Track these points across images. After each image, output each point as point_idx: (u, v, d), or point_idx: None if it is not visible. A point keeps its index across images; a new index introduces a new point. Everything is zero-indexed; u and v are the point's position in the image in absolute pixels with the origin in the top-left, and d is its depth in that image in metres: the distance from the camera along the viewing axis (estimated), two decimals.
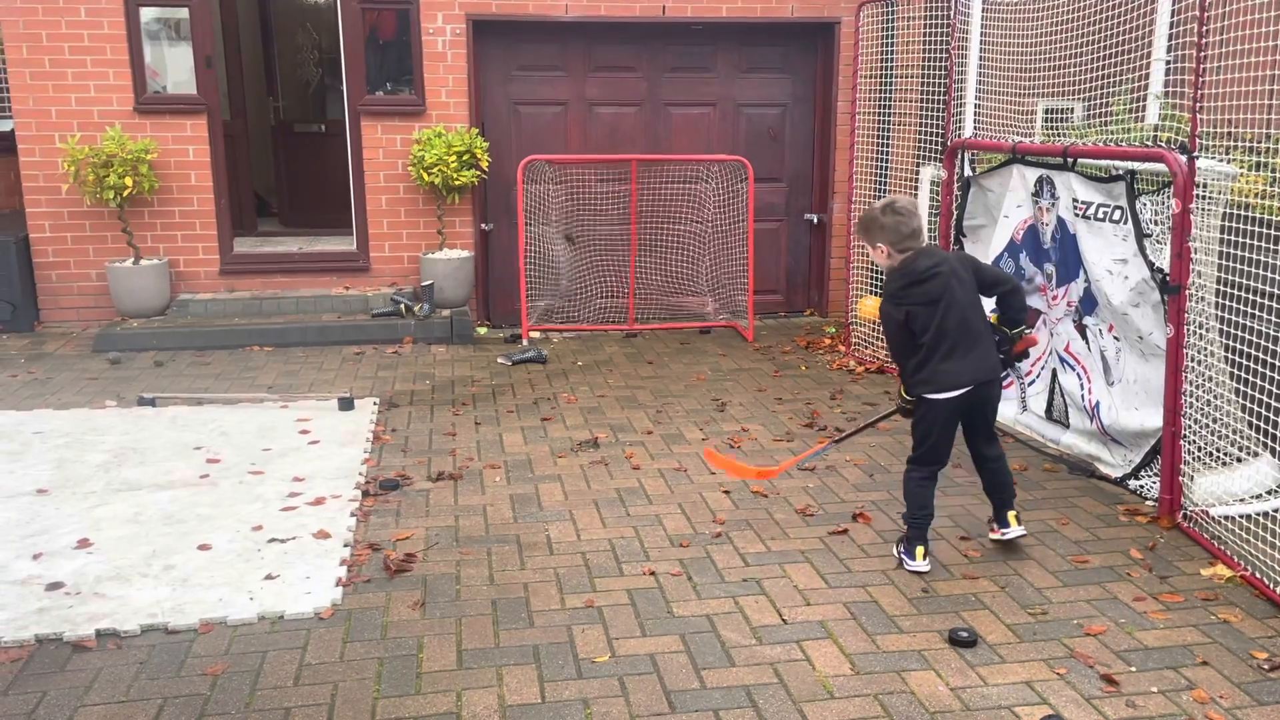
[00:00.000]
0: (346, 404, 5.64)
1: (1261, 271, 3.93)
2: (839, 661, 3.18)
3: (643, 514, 4.34)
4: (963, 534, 4.11)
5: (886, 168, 7.43)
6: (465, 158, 7.27)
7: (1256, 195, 4.25)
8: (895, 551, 3.90)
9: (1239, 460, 4.30)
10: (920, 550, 3.79)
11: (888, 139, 7.38)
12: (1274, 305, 3.85)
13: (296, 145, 9.50)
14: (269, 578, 3.70)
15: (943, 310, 3.73)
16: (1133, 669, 3.12)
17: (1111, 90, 5.23)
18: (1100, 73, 5.16)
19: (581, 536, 4.10)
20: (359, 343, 7.19)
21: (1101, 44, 5.17)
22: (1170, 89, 5.26)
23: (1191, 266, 4.09)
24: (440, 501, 4.45)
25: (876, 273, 7.35)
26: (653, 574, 3.77)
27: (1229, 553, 3.82)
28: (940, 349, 3.73)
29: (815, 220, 8.36)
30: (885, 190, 7.50)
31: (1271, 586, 3.52)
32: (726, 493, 4.57)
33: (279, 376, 6.40)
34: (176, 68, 7.48)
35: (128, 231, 7.31)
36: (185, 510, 4.28)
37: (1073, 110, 5.83)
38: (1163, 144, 4.29)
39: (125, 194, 7.02)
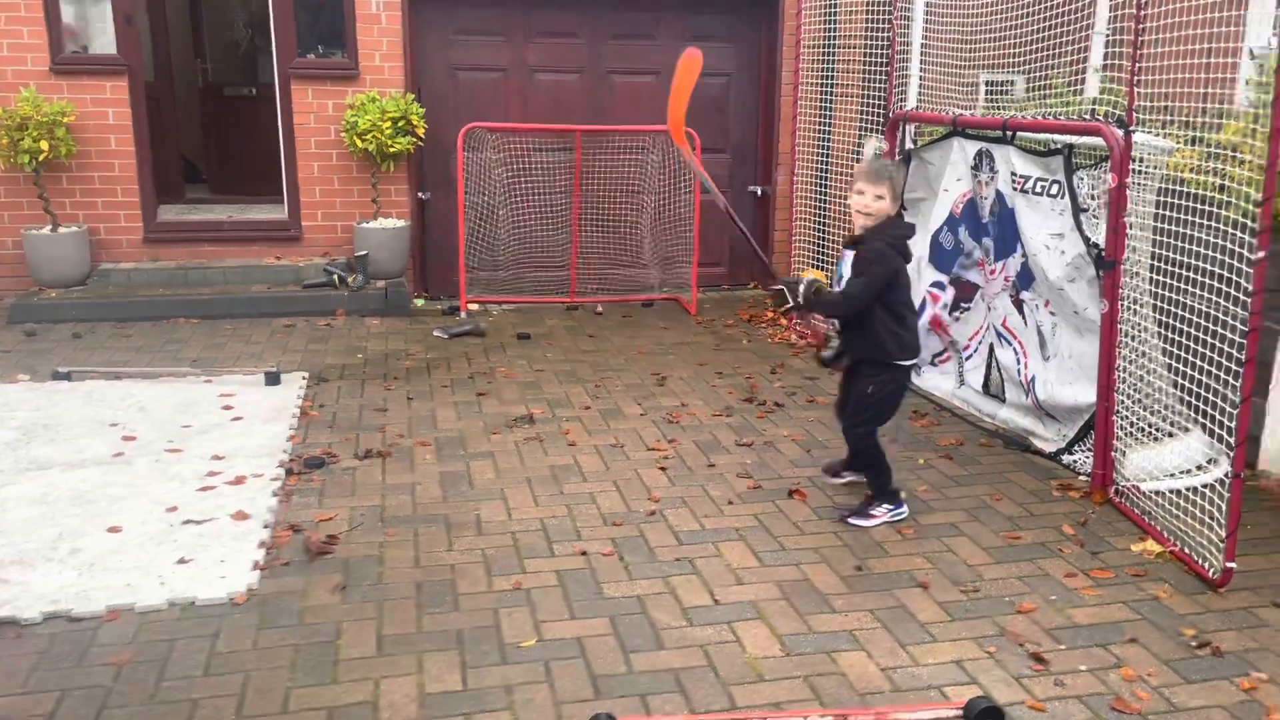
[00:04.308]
0: (273, 379, 5.45)
1: (1194, 247, 3.92)
2: (770, 642, 3.12)
3: (577, 492, 4.24)
4: None
5: (830, 140, 7.37)
6: (400, 124, 7.05)
7: (1191, 170, 4.25)
8: (869, 519, 3.95)
9: (1170, 435, 4.33)
10: (900, 494, 4.03)
11: (831, 111, 7.31)
12: (1206, 281, 3.84)
13: (226, 109, 9.17)
14: (181, 562, 3.54)
15: (907, 274, 3.91)
16: (1062, 647, 3.11)
17: (1052, 63, 5.20)
18: (1041, 45, 5.12)
19: (513, 516, 4.00)
20: (289, 315, 6.97)
21: (1043, 16, 5.12)
22: (1110, 62, 5.24)
23: (1127, 242, 4.08)
24: (367, 480, 4.31)
25: (821, 247, 7.31)
26: (584, 554, 3.68)
27: (1159, 528, 3.84)
28: (914, 312, 3.95)
29: (759, 192, 8.28)
30: (828, 163, 7.44)
31: (1200, 562, 3.53)
32: (663, 469, 4.49)
33: (204, 350, 6.17)
34: (96, 27, 7.13)
35: (44, 198, 6.98)
36: (96, 490, 4.09)
37: (1013, 83, 5.80)
38: (1100, 118, 4.25)
39: (41, 158, 6.70)
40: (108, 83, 7.10)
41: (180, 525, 3.81)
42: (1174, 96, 4.27)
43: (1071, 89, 5.33)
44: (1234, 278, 3.46)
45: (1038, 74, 5.28)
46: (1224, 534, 3.42)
